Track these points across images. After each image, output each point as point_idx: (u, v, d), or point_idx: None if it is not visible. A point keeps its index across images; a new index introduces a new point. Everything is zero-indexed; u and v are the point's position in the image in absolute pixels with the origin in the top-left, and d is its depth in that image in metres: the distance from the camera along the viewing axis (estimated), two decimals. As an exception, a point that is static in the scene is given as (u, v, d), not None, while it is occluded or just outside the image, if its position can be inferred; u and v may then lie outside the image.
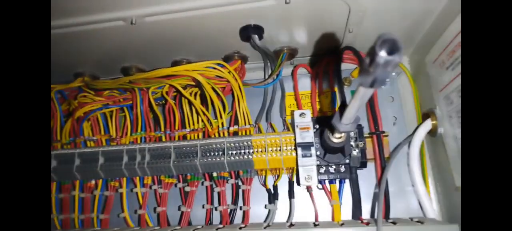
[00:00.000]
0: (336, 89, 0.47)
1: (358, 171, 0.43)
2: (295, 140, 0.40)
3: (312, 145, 0.39)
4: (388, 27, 0.43)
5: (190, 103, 0.47)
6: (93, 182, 0.47)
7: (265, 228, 0.36)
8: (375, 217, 0.40)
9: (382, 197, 0.37)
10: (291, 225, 0.38)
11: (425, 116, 0.43)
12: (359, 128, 0.41)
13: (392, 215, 0.41)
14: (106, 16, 0.37)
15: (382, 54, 0.15)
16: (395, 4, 0.38)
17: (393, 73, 0.49)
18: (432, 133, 0.42)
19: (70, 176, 0.47)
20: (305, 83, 0.50)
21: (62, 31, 0.39)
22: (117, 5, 0.36)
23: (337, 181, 0.42)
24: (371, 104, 0.44)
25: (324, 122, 0.38)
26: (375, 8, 0.38)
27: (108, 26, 0.39)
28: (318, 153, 0.39)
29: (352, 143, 0.41)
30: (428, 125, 0.41)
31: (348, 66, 0.49)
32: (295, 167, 0.41)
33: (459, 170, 0.36)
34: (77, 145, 0.49)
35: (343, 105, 0.26)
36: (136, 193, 0.46)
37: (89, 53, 0.46)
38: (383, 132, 0.43)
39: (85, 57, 0.48)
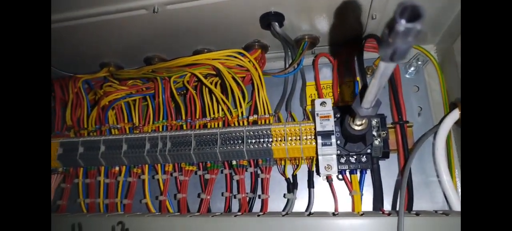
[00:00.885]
0: (358, 79, 0.46)
1: (380, 162, 0.42)
2: (315, 128, 0.39)
3: (333, 134, 0.38)
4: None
5: (211, 93, 0.47)
6: (117, 168, 0.49)
7: (283, 216, 0.36)
8: (397, 208, 0.39)
9: (405, 187, 0.36)
10: (310, 214, 0.38)
11: (452, 106, 0.42)
12: (382, 117, 0.40)
13: (416, 207, 0.40)
14: (129, 5, 0.38)
15: (403, 21, 0.14)
16: None
17: (419, 62, 0.47)
18: (460, 123, 0.40)
19: (95, 162, 0.48)
20: (326, 73, 0.49)
21: (88, 21, 0.41)
22: (141, -5, 0.37)
23: (358, 171, 0.41)
24: (395, 94, 0.42)
25: (345, 110, 0.37)
26: None
27: (131, 15, 0.40)
28: (338, 142, 0.39)
29: (374, 133, 0.39)
30: (455, 114, 0.40)
31: (371, 56, 0.47)
32: (314, 157, 0.41)
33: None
34: (103, 132, 0.51)
35: (364, 89, 0.25)
36: (158, 179, 0.47)
37: (113, 44, 0.48)
38: (407, 122, 0.41)
39: (110, 47, 0.49)
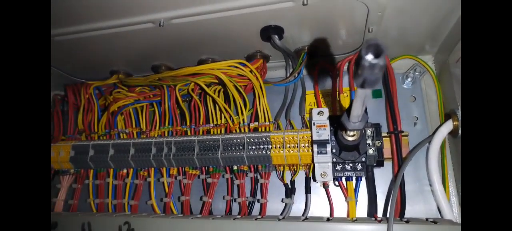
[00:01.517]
0: (355, 88, 0.47)
1: (376, 170, 0.43)
2: (311, 137, 0.41)
3: (328, 142, 0.40)
4: (410, 26, 0.43)
5: (214, 100, 0.49)
6: (125, 170, 0.52)
7: (279, 220, 0.38)
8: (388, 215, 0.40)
9: (396, 195, 0.37)
10: (306, 219, 0.40)
11: (447, 116, 0.43)
12: (377, 127, 0.42)
13: (411, 214, 0.42)
14: (137, 19, 0.41)
15: (368, 57, 0.16)
16: (417, 3, 0.37)
17: (417, 73, 0.48)
18: (454, 133, 0.41)
19: (105, 164, 0.51)
20: (325, 82, 0.51)
21: (99, 33, 0.43)
22: (146, 8, 0.39)
23: (354, 178, 0.43)
24: (391, 104, 0.44)
25: (336, 121, 0.39)
26: (395, 7, 0.38)
27: (139, 28, 0.42)
28: (334, 151, 0.40)
29: (369, 142, 0.41)
30: (449, 125, 0.41)
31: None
32: (311, 164, 0.42)
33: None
34: (112, 136, 0.53)
35: (350, 105, 0.27)
36: (163, 182, 0.49)
37: (123, 53, 0.51)
38: (402, 132, 0.43)
39: (119, 56, 0.52)
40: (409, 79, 0.48)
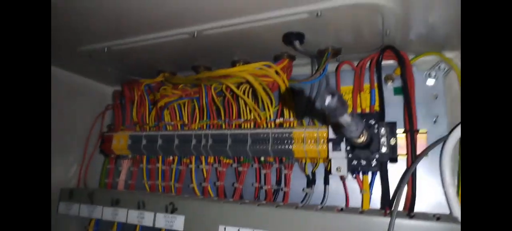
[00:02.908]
0: (376, 85, 0.49)
1: (392, 165, 0.46)
2: (328, 135, 0.45)
3: (342, 141, 0.44)
4: (434, 22, 0.41)
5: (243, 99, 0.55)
6: (171, 157, 0.61)
7: (296, 208, 0.43)
8: (402, 208, 0.44)
9: (402, 190, 0.40)
10: (321, 208, 0.45)
11: (465, 116, 0.43)
12: (392, 126, 0.44)
13: (424, 208, 0.44)
14: (175, 31, 0.47)
15: (326, 100, 0.20)
16: (432, 6, 0.37)
17: (440, 70, 0.49)
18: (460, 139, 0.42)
19: (155, 152, 0.61)
20: (348, 79, 0.53)
21: (146, 43, 0.51)
22: (183, 23, 0.46)
23: (369, 173, 0.46)
24: (408, 103, 0.46)
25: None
26: (418, 4, 0.38)
27: (177, 39, 0.49)
28: (348, 148, 0.44)
29: (384, 139, 0.44)
30: (465, 126, 0.42)
31: (391, 63, 0.50)
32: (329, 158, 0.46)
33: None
34: (160, 128, 0.62)
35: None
36: (202, 169, 0.57)
37: (166, 57, 0.58)
38: (418, 130, 0.45)
39: (164, 59, 0.60)
40: (433, 76, 0.49)
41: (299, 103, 0.51)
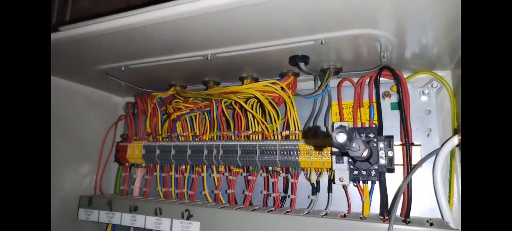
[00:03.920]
0: (374, 102, 0.54)
1: (389, 175, 0.50)
2: (331, 148, 0.50)
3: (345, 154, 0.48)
4: (427, 43, 0.45)
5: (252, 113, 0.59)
6: (183, 166, 0.65)
7: (303, 215, 0.48)
8: (399, 214, 0.48)
9: (400, 198, 0.45)
10: (326, 214, 0.49)
11: (455, 131, 0.48)
12: (389, 139, 0.49)
13: (418, 213, 0.49)
14: (190, 54, 0.51)
15: (334, 139, 0.25)
16: (433, 23, 0.41)
17: (433, 88, 0.53)
18: (460, 147, 0.47)
19: (168, 161, 0.65)
20: (349, 95, 0.58)
21: (162, 63, 0.55)
22: (197, 48, 0.50)
23: (369, 182, 0.51)
24: (404, 119, 0.50)
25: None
26: (413, 26, 0.41)
27: (191, 60, 0.53)
28: (349, 160, 0.49)
29: (382, 153, 0.48)
30: (455, 140, 0.47)
31: (388, 81, 0.55)
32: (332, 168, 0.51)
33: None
34: (173, 138, 0.66)
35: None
36: (213, 177, 0.62)
37: (179, 74, 0.62)
38: (413, 144, 0.49)
39: (176, 75, 0.64)
40: (426, 92, 0.54)
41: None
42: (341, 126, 0.26)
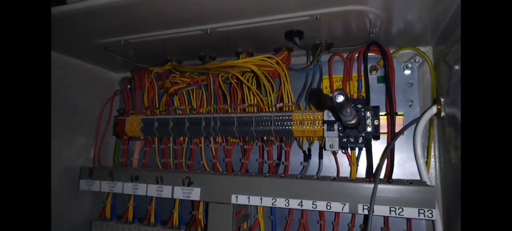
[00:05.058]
0: (362, 76, 0.58)
1: (375, 143, 0.55)
2: (323, 117, 0.54)
3: (335, 123, 0.53)
4: (412, 20, 0.49)
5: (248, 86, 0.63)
6: (182, 138, 0.68)
7: (298, 178, 0.52)
8: (383, 177, 0.53)
9: (383, 161, 0.50)
10: (317, 178, 0.54)
11: (434, 101, 0.53)
12: (375, 109, 0.53)
13: (399, 176, 0.55)
14: (190, 28, 0.54)
15: (335, 98, 0.28)
16: (410, 8, 0.45)
17: (416, 62, 0.58)
18: (438, 115, 0.52)
19: (167, 133, 0.68)
20: (339, 69, 0.62)
21: (161, 37, 0.57)
22: (198, 21, 0.52)
23: (357, 148, 0.56)
24: (388, 90, 0.55)
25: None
26: (398, 6, 0.45)
27: (191, 34, 0.55)
28: (340, 128, 0.53)
29: (368, 122, 0.53)
30: (433, 109, 0.51)
31: (376, 56, 0.59)
32: (323, 137, 0.55)
33: (455, 148, 0.46)
34: (170, 112, 0.69)
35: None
36: (211, 148, 0.65)
37: (177, 48, 0.64)
38: (397, 113, 0.54)
39: (174, 50, 0.66)
40: (409, 66, 0.58)
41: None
42: (340, 90, 0.29)
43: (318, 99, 0.56)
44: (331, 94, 0.31)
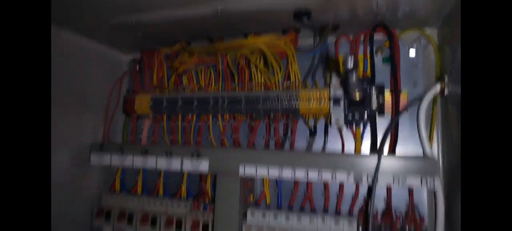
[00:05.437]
0: (368, 57, 0.60)
1: (379, 120, 0.57)
2: (329, 94, 0.56)
3: (341, 99, 0.54)
4: (415, 5, 0.52)
5: (256, 65, 0.64)
6: (190, 116, 0.70)
7: (303, 153, 0.54)
8: (386, 153, 0.55)
9: (387, 136, 0.52)
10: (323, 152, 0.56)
11: (438, 80, 0.55)
12: (380, 87, 0.55)
13: (403, 152, 0.56)
14: (201, 8, 0.55)
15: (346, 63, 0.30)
16: None
17: (420, 44, 0.60)
18: (442, 94, 0.54)
19: (175, 112, 0.69)
20: (345, 50, 0.63)
21: (170, 18, 0.58)
22: (210, 2, 0.53)
23: (361, 125, 0.57)
24: (393, 69, 0.56)
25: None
26: None
27: (202, 14, 0.57)
28: (345, 104, 0.55)
29: (374, 98, 0.55)
30: (437, 88, 0.53)
31: (381, 38, 0.60)
32: (329, 113, 0.57)
33: (456, 126, 0.48)
34: (179, 91, 0.71)
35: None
36: (218, 125, 0.67)
37: (188, 28, 0.66)
38: (400, 91, 0.56)
39: (183, 31, 0.67)
40: (414, 47, 0.60)
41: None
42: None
43: (335, 66, 0.58)
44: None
